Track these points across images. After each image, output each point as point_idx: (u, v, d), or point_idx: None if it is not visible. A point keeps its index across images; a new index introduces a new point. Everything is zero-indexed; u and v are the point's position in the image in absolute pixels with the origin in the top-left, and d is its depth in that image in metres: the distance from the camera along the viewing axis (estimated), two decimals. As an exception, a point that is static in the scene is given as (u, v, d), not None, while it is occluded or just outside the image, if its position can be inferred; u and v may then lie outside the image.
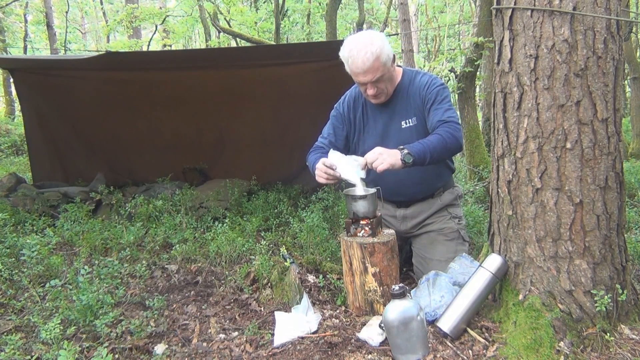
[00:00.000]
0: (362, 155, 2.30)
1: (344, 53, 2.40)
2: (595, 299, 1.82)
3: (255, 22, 14.63)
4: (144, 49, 16.16)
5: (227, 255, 3.01)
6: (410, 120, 2.53)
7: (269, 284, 2.48)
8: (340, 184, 2.46)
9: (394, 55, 2.46)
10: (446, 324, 1.94)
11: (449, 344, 1.90)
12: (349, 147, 2.75)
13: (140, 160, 5.77)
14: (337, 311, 2.27)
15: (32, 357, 1.91)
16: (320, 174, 2.33)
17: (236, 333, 2.14)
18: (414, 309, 1.80)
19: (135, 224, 3.54)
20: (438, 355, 1.83)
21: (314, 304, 2.30)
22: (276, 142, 5.67)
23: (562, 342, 1.75)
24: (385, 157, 2.15)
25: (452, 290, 2.10)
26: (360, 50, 2.32)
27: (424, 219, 2.71)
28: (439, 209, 2.69)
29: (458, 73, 6.05)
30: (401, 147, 2.19)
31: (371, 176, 2.43)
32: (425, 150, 2.21)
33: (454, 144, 2.29)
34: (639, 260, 2.66)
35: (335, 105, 2.79)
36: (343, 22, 17.85)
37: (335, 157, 2.33)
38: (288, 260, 2.51)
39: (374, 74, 2.35)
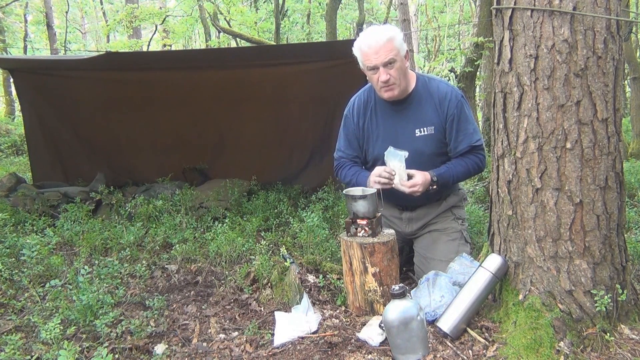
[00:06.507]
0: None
1: (357, 42, 2.44)
2: (595, 299, 1.82)
3: (255, 22, 14.64)
4: (144, 49, 16.15)
5: (227, 255, 3.01)
6: (426, 129, 2.51)
7: (269, 284, 2.48)
8: (340, 184, 2.49)
9: (407, 51, 2.46)
10: (446, 324, 1.94)
11: (449, 344, 1.90)
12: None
13: (140, 160, 5.76)
14: (337, 311, 2.27)
15: (32, 357, 1.91)
16: (380, 178, 2.42)
17: (236, 333, 2.14)
18: (414, 309, 1.80)
19: (135, 224, 3.54)
20: (438, 355, 1.83)
21: (314, 304, 2.30)
22: (276, 142, 5.67)
23: (562, 342, 1.75)
24: (418, 193, 2.40)
25: (452, 290, 2.10)
26: (373, 33, 2.39)
27: (428, 220, 2.71)
28: (444, 210, 2.70)
29: (458, 73, 6.06)
30: (435, 178, 2.44)
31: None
32: (450, 181, 2.53)
33: (476, 172, 2.63)
34: (639, 260, 2.66)
35: (345, 113, 2.74)
36: (343, 22, 17.85)
37: (393, 163, 2.42)
38: (288, 260, 2.51)
39: (387, 55, 2.34)
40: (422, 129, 2.52)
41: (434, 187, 2.44)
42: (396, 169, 2.39)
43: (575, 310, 1.85)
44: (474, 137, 2.51)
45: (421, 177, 2.38)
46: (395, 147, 2.42)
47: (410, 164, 2.40)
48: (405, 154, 2.36)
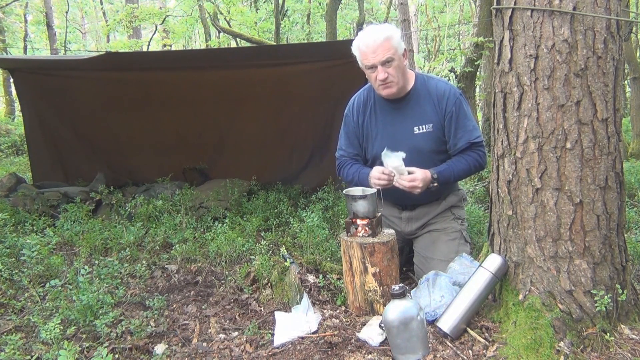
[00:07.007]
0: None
1: (355, 42, 2.46)
2: (595, 299, 1.82)
3: (255, 22, 14.64)
4: (144, 49, 16.15)
5: (227, 255, 3.01)
6: (425, 126, 2.53)
7: (269, 284, 2.48)
8: (340, 184, 2.50)
9: (405, 50, 2.48)
10: (446, 324, 1.94)
11: (449, 344, 1.90)
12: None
13: (140, 160, 5.76)
14: (337, 311, 2.27)
15: (32, 357, 1.91)
16: (380, 181, 2.42)
17: (236, 333, 2.14)
18: (414, 309, 1.80)
19: (135, 224, 3.54)
20: (438, 355, 1.83)
21: (314, 304, 2.30)
22: (276, 142, 5.67)
23: (562, 342, 1.75)
24: (417, 190, 2.39)
25: (452, 290, 2.10)
26: (371, 32, 2.41)
27: (428, 220, 2.71)
28: (443, 210, 2.70)
29: (458, 73, 6.07)
30: (435, 176, 2.44)
31: None
32: (451, 178, 2.53)
33: (477, 169, 2.59)
34: (639, 260, 2.66)
35: (345, 112, 2.76)
36: (343, 22, 17.85)
37: (391, 163, 2.42)
38: (288, 260, 2.51)
39: (385, 54, 2.37)
40: (420, 127, 2.53)
41: (435, 184, 2.44)
42: (395, 169, 2.39)
43: (575, 310, 1.85)
44: (474, 133, 2.52)
45: (421, 174, 2.39)
46: (394, 145, 2.43)
47: (409, 161, 2.41)
48: (403, 154, 2.36)
